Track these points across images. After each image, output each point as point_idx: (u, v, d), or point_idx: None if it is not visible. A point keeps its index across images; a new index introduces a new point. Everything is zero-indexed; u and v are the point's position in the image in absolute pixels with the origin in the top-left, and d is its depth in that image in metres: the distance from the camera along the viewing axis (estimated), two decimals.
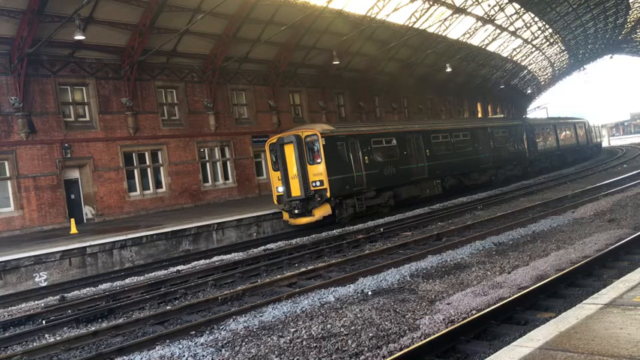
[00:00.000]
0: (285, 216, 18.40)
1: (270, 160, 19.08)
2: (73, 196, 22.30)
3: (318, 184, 17.54)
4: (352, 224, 17.86)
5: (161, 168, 25.45)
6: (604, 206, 15.15)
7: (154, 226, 17.51)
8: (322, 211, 17.72)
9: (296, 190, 17.76)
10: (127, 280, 12.82)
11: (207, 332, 7.66)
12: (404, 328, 6.79)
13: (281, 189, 18.18)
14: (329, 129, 18.65)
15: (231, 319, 8.04)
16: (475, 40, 43.49)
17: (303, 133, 17.99)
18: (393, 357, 5.46)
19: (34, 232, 19.91)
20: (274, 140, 18.57)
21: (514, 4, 39.75)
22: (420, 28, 35.38)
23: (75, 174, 22.55)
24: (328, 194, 17.47)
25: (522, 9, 41.00)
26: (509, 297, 7.25)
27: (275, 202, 18.68)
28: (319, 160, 17.64)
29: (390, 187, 20.35)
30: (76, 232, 18.06)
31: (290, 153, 17.93)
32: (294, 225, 18.27)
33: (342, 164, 18.32)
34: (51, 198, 21.09)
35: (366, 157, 19.24)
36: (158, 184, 25.35)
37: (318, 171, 17.62)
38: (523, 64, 59.68)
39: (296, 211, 17.74)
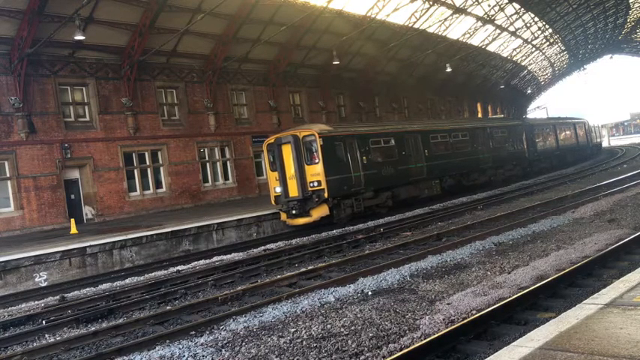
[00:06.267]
0: (283, 216, 18.35)
1: (267, 161, 19.04)
2: (73, 196, 22.30)
3: (315, 184, 17.47)
4: (352, 224, 17.83)
5: (161, 168, 25.45)
6: (604, 206, 15.14)
7: (154, 226, 17.50)
8: (320, 212, 17.65)
9: (294, 191, 17.70)
10: (127, 280, 12.80)
11: (207, 332, 7.65)
12: (404, 328, 6.79)
13: (279, 189, 18.12)
14: (327, 129, 18.62)
15: (231, 319, 8.03)
16: (475, 40, 43.52)
17: (300, 133, 17.95)
18: (393, 357, 5.46)
19: (34, 233, 19.90)
20: (272, 140, 18.49)
21: (514, 4, 39.76)
22: (420, 28, 35.39)
23: (75, 174, 22.55)
24: (326, 195, 17.40)
25: (522, 9, 41.02)
26: (510, 297, 7.25)
27: (273, 202, 18.61)
28: (317, 161, 17.57)
29: (389, 188, 20.30)
30: (76, 232, 18.05)
31: (288, 153, 17.87)
32: (292, 225, 18.24)
33: (340, 164, 18.26)
34: (51, 198, 21.09)
35: (364, 158, 19.19)
36: (158, 184, 25.35)
37: (316, 171, 17.55)
38: (523, 64, 59.69)
39: (294, 212, 17.68)
